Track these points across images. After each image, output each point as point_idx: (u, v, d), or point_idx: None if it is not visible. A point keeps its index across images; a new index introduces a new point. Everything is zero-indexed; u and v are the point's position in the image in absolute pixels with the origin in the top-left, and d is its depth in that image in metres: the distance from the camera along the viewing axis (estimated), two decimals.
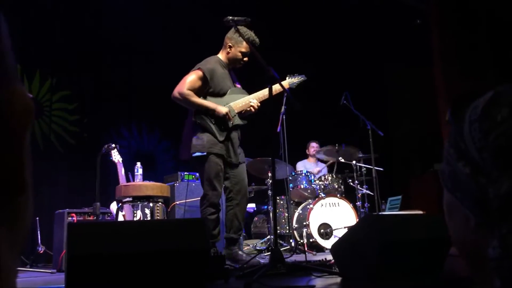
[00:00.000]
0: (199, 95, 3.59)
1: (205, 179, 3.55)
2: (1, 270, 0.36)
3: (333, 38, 7.37)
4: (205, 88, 3.62)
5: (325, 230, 5.19)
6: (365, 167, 5.88)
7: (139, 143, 6.97)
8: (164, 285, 2.01)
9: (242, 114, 3.70)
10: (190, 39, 6.71)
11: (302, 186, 5.69)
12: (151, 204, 4.09)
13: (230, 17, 3.32)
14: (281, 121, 4.97)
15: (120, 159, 4.30)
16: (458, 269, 2.47)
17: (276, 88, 3.67)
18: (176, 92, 3.58)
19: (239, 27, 3.58)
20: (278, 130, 4.97)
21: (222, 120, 3.57)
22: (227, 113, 3.54)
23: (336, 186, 5.68)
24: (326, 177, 5.76)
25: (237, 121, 3.66)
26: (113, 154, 4.30)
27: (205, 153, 3.52)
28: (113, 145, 4.28)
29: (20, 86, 0.39)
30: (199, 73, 3.60)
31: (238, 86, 3.84)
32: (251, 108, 3.65)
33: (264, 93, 3.72)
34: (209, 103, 3.56)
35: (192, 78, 3.59)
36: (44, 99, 6.22)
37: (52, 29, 6.18)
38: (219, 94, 3.66)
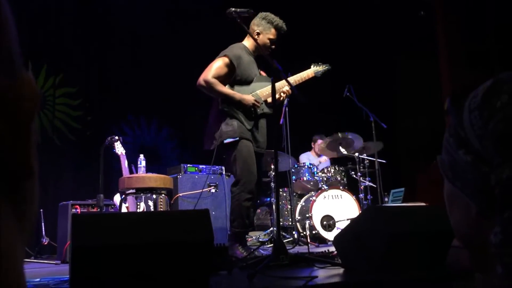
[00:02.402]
0: (225, 83, 3.48)
1: (239, 162, 3.38)
2: (11, 256, 0.37)
3: (337, 30, 7.34)
4: (232, 76, 3.50)
5: (328, 222, 5.20)
6: (368, 159, 5.88)
7: (143, 135, 6.98)
8: (168, 276, 2.03)
9: (277, 101, 3.56)
10: (193, 32, 6.69)
11: (305, 178, 5.69)
12: (154, 196, 4.10)
13: (233, 9, 3.27)
14: (284, 113, 4.97)
15: (123, 151, 4.31)
16: (460, 260, 2.47)
17: (303, 76, 3.74)
18: (201, 79, 3.45)
19: (267, 13, 3.58)
20: (281, 122, 4.97)
21: (249, 109, 3.49)
22: (254, 103, 3.46)
23: (339, 178, 5.69)
24: (329, 169, 5.77)
25: (265, 109, 3.57)
26: (116, 146, 4.31)
27: (237, 138, 3.40)
28: (116, 137, 4.29)
29: (26, 73, 0.40)
30: (226, 60, 3.48)
31: (263, 73, 3.75)
32: (282, 93, 3.56)
33: (295, 78, 3.67)
34: (234, 93, 3.46)
35: (218, 65, 3.47)
36: (47, 91, 6.22)
37: (55, 24, 6.18)
38: (246, 82, 3.55)
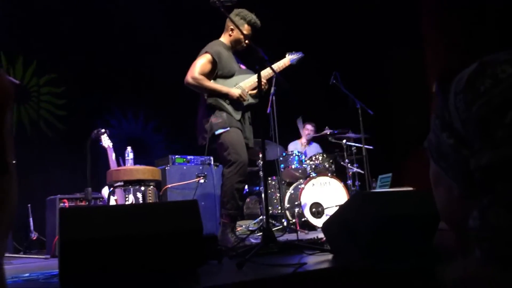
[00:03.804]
0: (209, 78, 3.65)
1: (231, 146, 3.52)
2: None
3: (326, 17, 7.33)
4: (215, 71, 3.67)
5: (317, 209, 5.23)
6: (355, 145, 5.92)
7: (130, 127, 6.94)
8: (158, 266, 2.03)
9: (253, 94, 3.76)
10: (180, 22, 6.64)
11: (293, 166, 5.71)
12: (142, 188, 4.08)
13: None
14: (271, 102, 4.97)
15: (111, 144, 4.28)
16: (446, 242, 2.51)
17: (280, 65, 3.89)
18: (189, 77, 3.61)
19: (241, 9, 3.71)
20: (268, 111, 4.97)
21: (236, 101, 3.64)
22: (240, 95, 3.61)
23: (327, 166, 5.71)
24: (317, 156, 5.79)
25: (250, 100, 3.74)
26: (103, 139, 4.28)
27: (228, 128, 3.56)
28: (103, 130, 4.26)
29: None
30: (208, 56, 3.65)
31: (243, 67, 3.90)
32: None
33: (269, 70, 3.74)
34: (221, 87, 3.63)
35: (202, 62, 3.64)
36: (30, 85, 6.15)
37: (37, 14, 6.07)
38: (228, 75, 3.72)
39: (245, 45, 3.81)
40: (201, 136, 3.69)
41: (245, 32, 3.67)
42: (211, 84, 3.63)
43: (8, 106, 0.38)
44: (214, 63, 3.66)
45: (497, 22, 5.62)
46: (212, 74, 3.68)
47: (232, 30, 3.78)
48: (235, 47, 3.85)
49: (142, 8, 6.61)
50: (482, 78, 0.55)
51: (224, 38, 3.85)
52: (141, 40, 6.66)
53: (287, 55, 4.03)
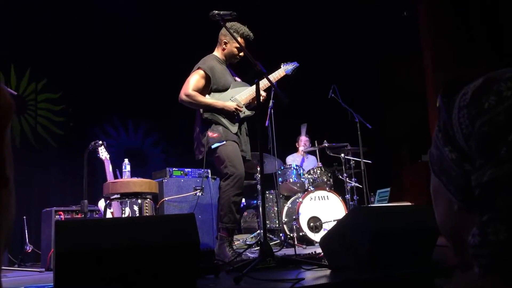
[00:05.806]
0: (203, 94, 3.66)
1: (228, 159, 3.51)
2: None
3: (320, 30, 7.38)
4: (209, 86, 3.69)
5: (315, 224, 5.20)
6: (353, 160, 5.91)
7: (127, 140, 6.92)
8: (154, 281, 2.00)
9: (249, 106, 3.78)
10: (180, 35, 6.66)
11: (291, 180, 5.69)
12: (139, 201, 4.06)
13: (216, 12, 3.31)
14: (269, 115, 4.98)
15: (108, 156, 4.27)
16: (445, 257, 2.49)
17: (275, 76, 3.89)
18: (182, 94, 3.63)
19: (233, 23, 3.68)
20: (266, 124, 4.97)
21: (232, 114, 3.65)
22: (236, 108, 3.62)
23: (325, 179, 5.69)
24: (315, 170, 5.77)
25: (246, 112, 3.75)
26: (100, 151, 4.27)
27: (224, 142, 3.56)
28: (100, 142, 4.25)
29: (0, 84, 0.38)
30: (201, 72, 3.67)
31: (238, 79, 3.91)
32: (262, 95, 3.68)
33: (264, 81, 3.72)
34: (216, 101, 3.64)
35: (195, 78, 3.66)
36: (29, 96, 6.14)
37: (39, 28, 6.10)
38: (223, 89, 3.73)
39: (239, 57, 3.83)
40: (198, 150, 3.69)
41: (238, 45, 3.67)
42: (205, 99, 3.64)
43: (9, 120, 0.38)
44: (207, 78, 3.67)
45: (483, 21, 5.66)
46: (207, 89, 3.70)
47: (225, 43, 3.80)
48: (229, 61, 3.86)
49: (145, 21, 6.64)
50: (487, 94, 0.55)
51: (218, 52, 3.87)
52: (142, 54, 6.68)
53: (282, 66, 4.05)
